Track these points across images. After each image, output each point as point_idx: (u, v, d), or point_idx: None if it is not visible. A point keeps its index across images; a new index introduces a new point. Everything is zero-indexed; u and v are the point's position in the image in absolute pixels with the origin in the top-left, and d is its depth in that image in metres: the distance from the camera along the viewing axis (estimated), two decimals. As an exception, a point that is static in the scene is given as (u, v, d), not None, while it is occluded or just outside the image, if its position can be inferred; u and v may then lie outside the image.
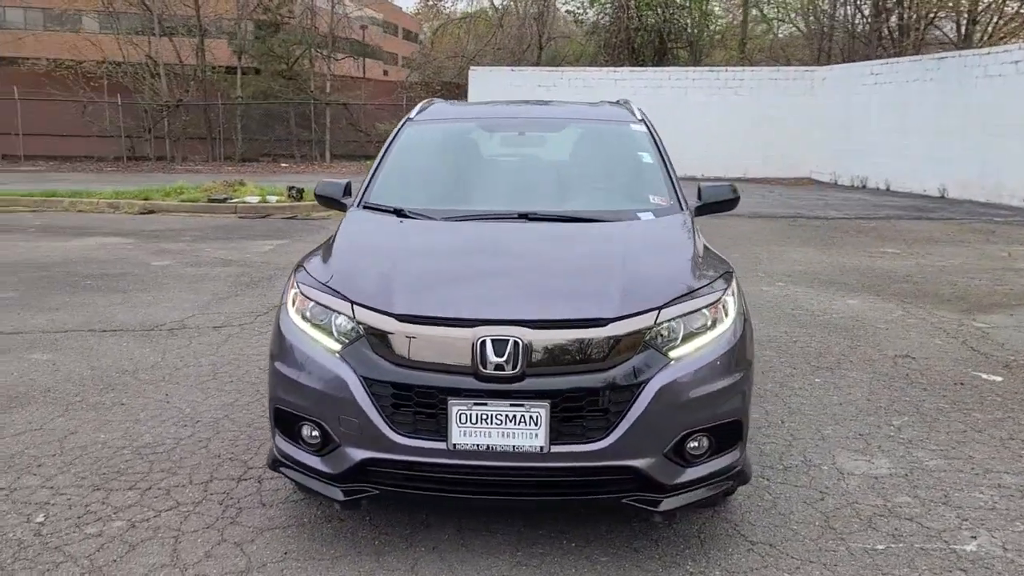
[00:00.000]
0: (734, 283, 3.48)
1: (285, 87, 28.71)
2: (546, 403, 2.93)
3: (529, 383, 2.95)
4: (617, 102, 5.17)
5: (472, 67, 27.09)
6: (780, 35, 35.51)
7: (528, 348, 2.95)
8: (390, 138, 4.68)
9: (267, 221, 13.22)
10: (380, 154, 4.57)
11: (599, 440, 2.97)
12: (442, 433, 2.97)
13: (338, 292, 3.26)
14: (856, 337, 6.65)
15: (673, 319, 3.13)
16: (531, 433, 2.93)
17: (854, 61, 24.88)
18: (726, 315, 3.29)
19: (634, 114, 4.80)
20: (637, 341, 3.05)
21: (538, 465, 2.97)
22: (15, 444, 4.32)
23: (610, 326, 3.02)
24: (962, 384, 5.48)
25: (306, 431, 3.18)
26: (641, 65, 28.27)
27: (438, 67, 33.76)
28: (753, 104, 24.37)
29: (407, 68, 36.85)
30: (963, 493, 3.87)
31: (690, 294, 3.24)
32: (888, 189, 20.96)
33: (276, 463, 3.33)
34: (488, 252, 3.63)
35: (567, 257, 3.54)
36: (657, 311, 3.10)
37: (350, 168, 25.85)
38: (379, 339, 3.07)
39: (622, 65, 28.18)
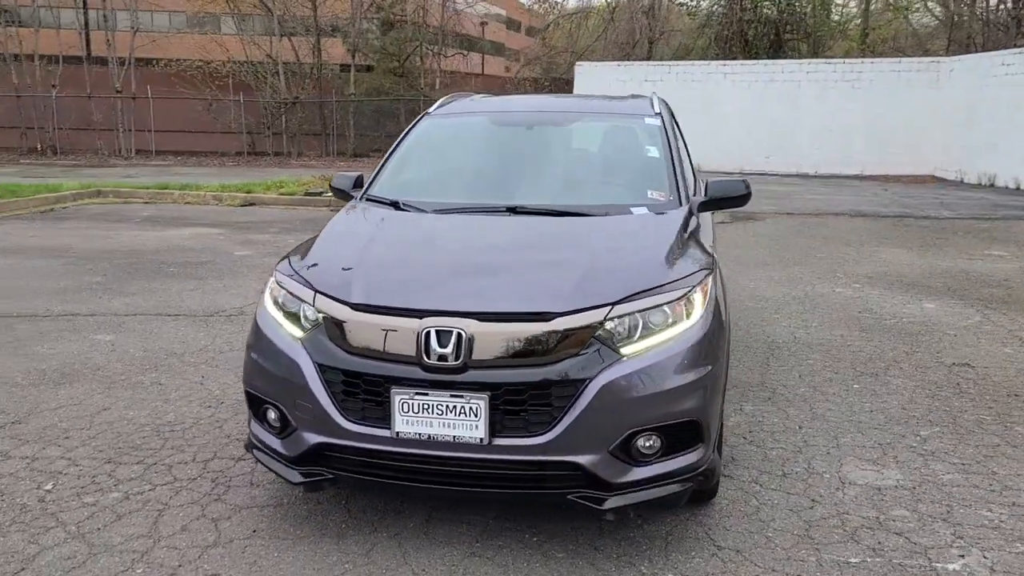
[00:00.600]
0: (709, 280, 3.38)
1: (396, 84, 29.41)
2: (486, 395, 2.94)
3: (471, 375, 2.96)
4: (635, 96, 5.08)
5: (578, 63, 27.00)
6: (912, 24, 33.73)
7: (471, 340, 2.96)
8: (404, 132, 4.76)
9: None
10: (392, 148, 4.66)
11: (542, 434, 2.95)
12: (387, 421, 3.02)
13: (306, 281, 3.36)
14: (918, 343, 6.30)
15: (629, 315, 3.07)
16: (471, 424, 2.95)
17: (990, 51, 23.38)
18: (691, 312, 3.20)
19: (652, 108, 4.71)
20: (585, 336, 3.01)
21: (479, 456, 2.98)
22: (52, 417, 4.65)
23: (555, 321, 3.00)
24: (1016, 396, 5.12)
25: (271, 414, 3.29)
26: (754, 58, 27.46)
27: (548, 62, 33.81)
28: (872, 98, 23.25)
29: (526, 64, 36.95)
30: (969, 510, 3.63)
31: (652, 290, 3.16)
32: (1018, 188, 19.60)
33: (250, 445, 3.47)
34: (460, 245, 3.66)
35: (536, 251, 3.53)
36: (610, 307, 3.05)
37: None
38: (335, 327, 3.15)
39: (734, 58, 27.47)
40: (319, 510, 3.59)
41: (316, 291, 3.27)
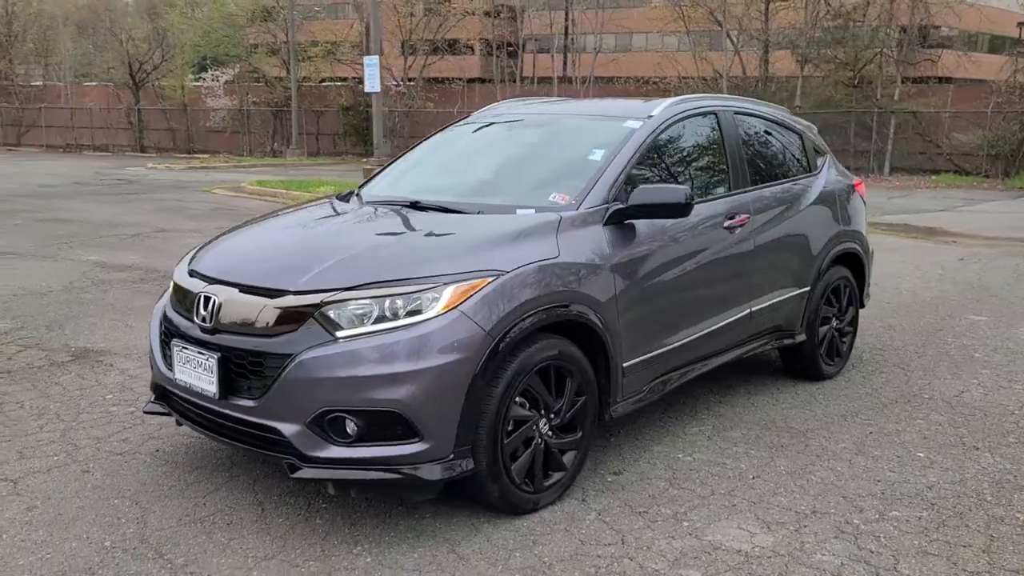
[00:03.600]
0: (483, 282, 3.31)
1: (848, 95, 27.67)
2: (216, 355, 3.36)
3: (217, 337, 3.40)
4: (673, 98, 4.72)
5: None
6: None
7: (220, 307, 3.40)
8: (435, 131, 5.14)
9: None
10: (412, 145, 5.09)
11: (256, 399, 3.28)
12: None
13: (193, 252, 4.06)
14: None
15: (352, 300, 3.22)
16: (209, 380, 3.40)
17: None
18: (430, 308, 3.21)
19: (647, 111, 4.39)
20: (303, 315, 3.23)
21: (215, 408, 3.43)
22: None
23: (281, 299, 3.30)
24: None
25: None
26: None
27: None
28: None
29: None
30: (771, 594, 2.96)
31: (394, 282, 3.27)
32: None
33: None
34: (316, 229, 4.05)
35: (347, 239, 3.75)
36: (333, 292, 3.24)
37: (907, 182, 23.87)
38: (175, 287, 3.81)
39: None
40: (211, 446, 4.24)
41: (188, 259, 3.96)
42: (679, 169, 4.48)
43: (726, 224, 4.49)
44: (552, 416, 3.60)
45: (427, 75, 32.98)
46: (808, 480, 3.96)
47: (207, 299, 3.48)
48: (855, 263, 5.69)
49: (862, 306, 5.90)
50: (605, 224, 3.88)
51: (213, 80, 34.48)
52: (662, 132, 4.35)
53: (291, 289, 3.31)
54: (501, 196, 4.15)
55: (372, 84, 15.83)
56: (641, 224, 4.02)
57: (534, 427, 3.53)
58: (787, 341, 5.17)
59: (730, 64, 29.08)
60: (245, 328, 3.36)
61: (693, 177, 4.57)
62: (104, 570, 3.09)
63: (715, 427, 4.63)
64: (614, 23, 32.35)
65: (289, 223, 4.27)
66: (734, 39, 28.79)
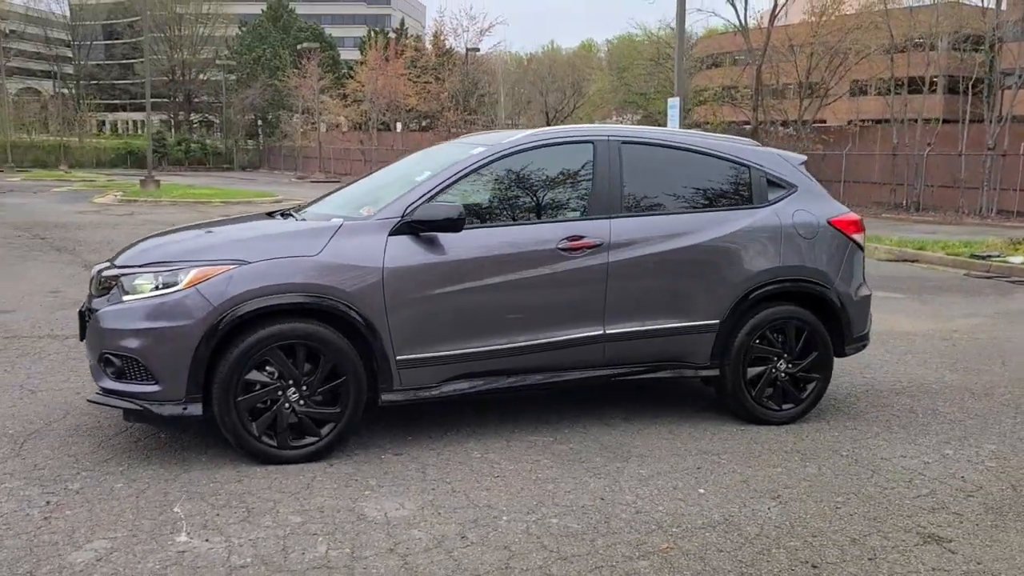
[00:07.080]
0: (215, 269, 4.22)
1: None
2: (81, 309, 4.70)
3: (95, 299, 4.72)
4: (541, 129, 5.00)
5: None
6: None
7: (97, 276, 4.74)
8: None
9: (993, 282, 11.77)
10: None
11: (86, 340, 4.56)
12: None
13: None
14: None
15: (131, 275, 4.36)
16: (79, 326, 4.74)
17: None
18: (175, 283, 4.22)
19: (502, 140, 4.86)
20: (111, 284, 4.44)
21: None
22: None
23: (106, 271, 4.55)
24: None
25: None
26: None
27: None
28: None
29: None
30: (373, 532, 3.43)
31: (163, 263, 4.33)
32: None
33: None
34: (196, 230, 5.09)
35: (186, 235, 4.88)
36: (129, 268, 4.43)
37: None
38: None
39: None
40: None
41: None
42: (515, 192, 4.79)
43: (560, 246, 4.66)
44: (303, 388, 4.30)
45: (821, 117, 31.83)
46: (538, 488, 4.08)
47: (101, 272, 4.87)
48: (821, 305, 5.19)
49: (842, 354, 5.31)
50: (394, 234, 4.45)
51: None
52: (505, 159, 4.76)
53: (116, 264, 4.56)
54: (349, 209, 4.88)
55: (673, 125, 16.39)
56: (449, 238, 4.49)
57: (279, 392, 4.28)
58: (688, 372, 5.01)
59: None
60: (93, 290, 4.66)
61: (536, 200, 4.82)
62: (-16, 443, 4.61)
63: (556, 439, 4.79)
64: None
65: (197, 226, 5.39)
66: None
